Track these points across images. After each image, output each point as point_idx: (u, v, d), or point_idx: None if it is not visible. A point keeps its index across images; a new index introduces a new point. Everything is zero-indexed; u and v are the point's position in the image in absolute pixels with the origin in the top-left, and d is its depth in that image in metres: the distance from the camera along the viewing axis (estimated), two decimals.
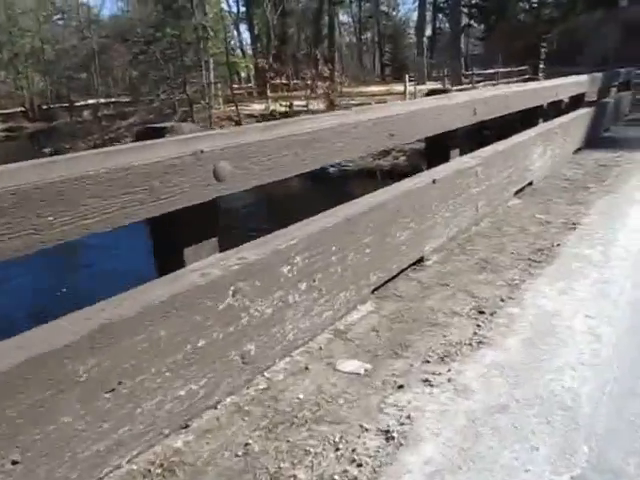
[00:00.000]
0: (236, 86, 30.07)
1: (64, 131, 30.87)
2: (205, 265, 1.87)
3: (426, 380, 1.96)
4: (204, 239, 1.93)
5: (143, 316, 1.56)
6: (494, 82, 22.73)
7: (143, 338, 1.57)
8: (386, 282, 2.78)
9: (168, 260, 1.91)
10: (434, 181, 3.08)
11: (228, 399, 1.89)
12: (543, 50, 22.03)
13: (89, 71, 41.84)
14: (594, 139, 7.10)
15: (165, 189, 1.60)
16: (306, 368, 2.08)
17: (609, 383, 1.92)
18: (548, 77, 12.01)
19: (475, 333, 2.29)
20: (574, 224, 3.74)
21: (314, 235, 2.20)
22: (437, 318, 2.44)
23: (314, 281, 2.23)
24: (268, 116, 21.66)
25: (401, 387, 1.93)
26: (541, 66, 22.63)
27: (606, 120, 8.06)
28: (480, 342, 2.21)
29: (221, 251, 2.06)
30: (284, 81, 27.93)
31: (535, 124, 5.36)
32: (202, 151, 1.70)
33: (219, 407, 1.85)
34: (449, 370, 2.02)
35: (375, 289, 2.71)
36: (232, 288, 1.85)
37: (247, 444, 1.68)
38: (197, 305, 1.73)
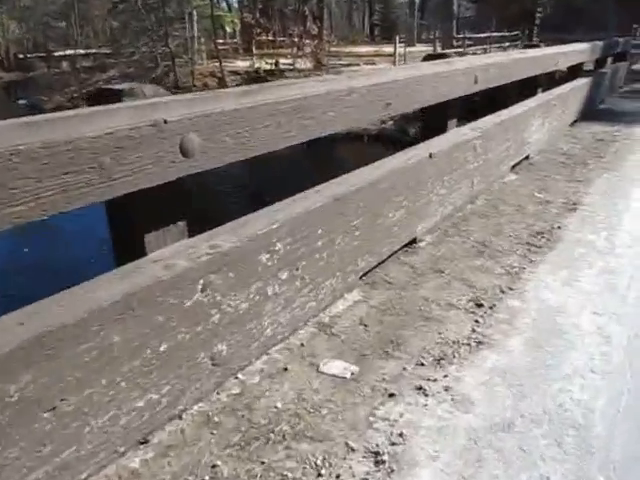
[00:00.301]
0: (221, 41, 29.03)
1: (41, 82, 29.68)
2: (170, 254, 1.60)
3: (420, 388, 1.74)
4: (169, 223, 1.66)
5: (90, 321, 1.30)
6: (485, 47, 22.22)
7: (91, 347, 1.32)
8: (375, 266, 2.54)
9: (127, 248, 1.64)
10: (430, 155, 2.81)
11: (195, 407, 1.66)
12: (538, 15, 21.43)
13: (68, 21, 40.06)
14: (591, 111, 6.85)
15: (118, 167, 1.32)
16: (285, 369, 1.85)
17: (623, 396, 1.71)
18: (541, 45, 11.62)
19: (473, 330, 2.07)
20: (574, 204, 3.52)
21: (299, 217, 1.94)
22: (431, 311, 2.22)
23: (297, 269, 1.97)
24: (253, 73, 20.96)
25: (392, 396, 1.71)
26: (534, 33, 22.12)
27: (602, 91, 7.79)
28: (479, 342, 1.99)
29: (191, 235, 1.78)
30: (270, 38, 27.02)
31: (534, 94, 5.08)
32: (166, 121, 1.41)
33: (184, 417, 1.62)
34: (446, 376, 1.80)
35: (363, 274, 2.47)
36: (201, 282, 1.59)
37: (215, 466, 1.45)
38: (159, 304, 1.47)
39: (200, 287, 1.60)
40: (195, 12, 23.67)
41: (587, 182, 4.03)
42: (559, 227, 3.12)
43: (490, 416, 1.62)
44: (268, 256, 1.82)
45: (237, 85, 20.28)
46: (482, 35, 23.13)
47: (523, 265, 2.63)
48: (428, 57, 3.40)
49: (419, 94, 2.71)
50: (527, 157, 4.61)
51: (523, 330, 2.07)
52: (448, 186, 3.09)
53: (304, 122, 1.89)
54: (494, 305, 2.25)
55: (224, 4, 37.67)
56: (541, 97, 4.95)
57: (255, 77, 20.07)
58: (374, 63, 20.90)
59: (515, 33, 22.53)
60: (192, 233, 1.81)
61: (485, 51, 20.08)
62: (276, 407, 1.66)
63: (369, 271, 2.49)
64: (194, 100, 1.55)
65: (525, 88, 4.71)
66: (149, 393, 1.50)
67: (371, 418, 1.62)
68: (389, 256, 2.64)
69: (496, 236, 3.00)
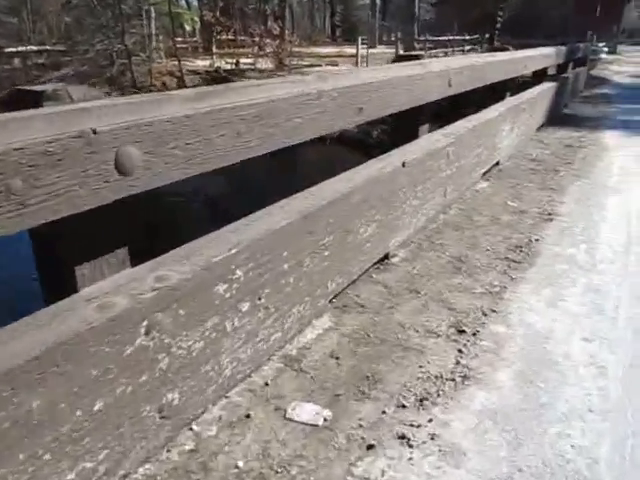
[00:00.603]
0: (180, 39, 28.34)
1: None
2: (107, 290, 1.33)
3: (403, 437, 1.52)
4: (107, 253, 1.39)
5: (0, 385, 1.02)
6: (446, 50, 22.35)
7: (1, 417, 1.04)
8: (346, 287, 2.31)
9: (56, 283, 1.36)
10: (404, 164, 2.60)
11: (141, 470, 1.39)
12: (499, 19, 21.65)
13: (20, 16, 38.51)
14: (556, 116, 6.81)
15: (33, 191, 1.05)
16: (247, 416, 1.60)
17: (628, 440, 1.53)
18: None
19: (457, 362, 1.87)
20: (550, 214, 3.38)
21: (261, 239, 1.69)
22: (409, 339, 2.00)
23: (260, 299, 1.73)
24: (213, 73, 20.50)
25: (371, 447, 1.48)
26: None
27: (566, 96, 7.80)
28: (465, 376, 1.78)
29: (136, 263, 1.52)
30: (231, 37, 26.53)
31: (503, 98, 4.96)
32: (95, 131, 1.14)
33: None
34: (431, 420, 1.58)
35: (334, 297, 2.24)
36: (145, 323, 1.33)
37: None
38: (91, 355, 1.20)
39: (144, 330, 1.33)
40: (153, 9, 23.01)
41: (560, 190, 3.91)
42: (537, 239, 2.96)
43: (484, 471, 1.41)
44: (226, 286, 1.57)
45: (196, 85, 19.80)
46: (443, 38, 23.27)
47: (504, 283, 2.45)
48: (399, 58, 3.20)
49: (393, 98, 2.50)
50: (497, 163, 4.48)
51: (511, 361, 1.88)
52: (421, 196, 2.90)
53: (267, 130, 1.64)
54: (477, 331, 2.05)
55: (183, 1, 36.95)
56: (510, 101, 4.82)
57: (215, 77, 19.64)
58: (337, 64, 20.71)
59: (476, 36, 22.73)
60: (140, 257, 1.54)
61: (446, 54, 20.16)
62: (237, 467, 1.41)
63: (339, 293, 2.26)
64: (134, 105, 1.29)
65: (496, 92, 4.58)
66: (82, 462, 1.23)
67: (349, 478, 1.38)
68: (360, 275, 2.42)
69: (472, 250, 2.82)
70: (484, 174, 4.14)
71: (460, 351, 1.93)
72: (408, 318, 2.14)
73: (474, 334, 2.03)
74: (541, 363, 1.87)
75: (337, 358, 1.88)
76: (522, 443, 1.50)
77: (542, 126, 6.20)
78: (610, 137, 5.96)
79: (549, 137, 5.82)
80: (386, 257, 2.65)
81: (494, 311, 2.21)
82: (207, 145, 1.42)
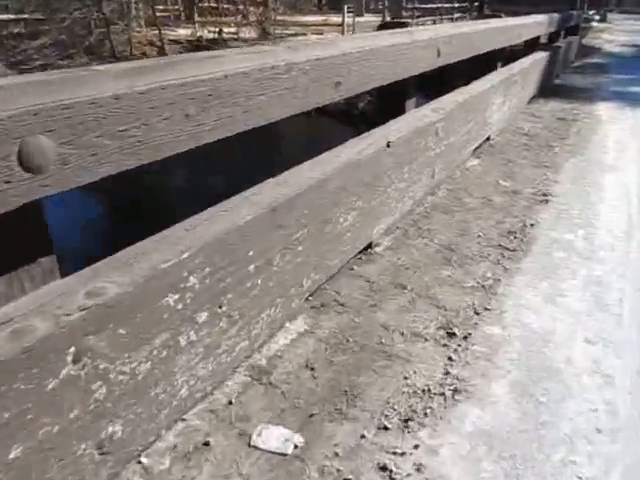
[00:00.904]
0: (161, 7, 27.42)
1: None
2: (24, 311, 1.09)
3: (384, 467, 1.32)
4: (25, 262, 1.15)
5: None
6: (434, 18, 21.84)
7: None
8: (325, 282, 2.09)
9: None
10: (388, 144, 2.36)
11: None
12: None
13: None
14: (547, 87, 6.55)
15: None
16: (206, 443, 1.39)
17: None
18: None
19: (447, 372, 1.66)
20: (544, 195, 3.16)
21: (221, 238, 1.46)
22: (393, 344, 1.79)
23: (221, 307, 1.50)
24: (195, 42, 19.87)
25: None
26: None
27: (558, 66, 7.52)
28: (456, 389, 1.58)
29: (66, 273, 1.28)
30: (214, 5, 25.69)
31: (494, 68, 4.69)
32: None
33: None
34: (417, 446, 1.38)
35: (310, 294, 2.02)
36: (72, 350, 1.10)
37: None
38: (3, 394, 0.97)
39: (71, 357, 1.10)
40: None
41: (554, 168, 3.69)
42: (532, 224, 2.75)
43: None
44: (177, 297, 1.34)
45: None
46: (432, 6, 22.71)
47: (497, 275, 2.24)
48: (384, 26, 2.92)
49: (375, 70, 2.24)
50: (488, 138, 4.24)
51: (507, 369, 1.68)
52: (408, 178, 2.66)
53: (224, 111, 1.39)
54: (469, 334, 1.84)
55: None
56: (502, 72, 4.56)
57: (198, 46, 19.05)
58: (322, 33, 20.17)
59: (465, 4, 22.19)
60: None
61: (434, 22, 19.66)
62: None
63: (317, 290, 2.04)
64: (47, 84, 1.03)
65: (489, 62, 4.31)
66: None
67: None
68: (341, 267, 2.20)
69: (463, 237, 2.60)
70: (474, 150, 3.91)
71: (450, 358, 1.72)
72: (392, 318, 1.93)
73: (465, 337, 1.83)
74: (540, 371, 1.67)
75: (312, 369, 1.67)
76: (521, 474, 1.31)
77: (533, 98, 5.95)
78: (604, 109, 5.73)
79: (541, 110, 5.57)
80: (369, 246, 2.42)
81: (487, 309, 2.00)
82: (147, 132, 1.17)
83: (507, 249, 2.48)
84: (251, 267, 1.59)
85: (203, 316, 1.44)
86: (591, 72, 8.82)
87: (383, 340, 1.81)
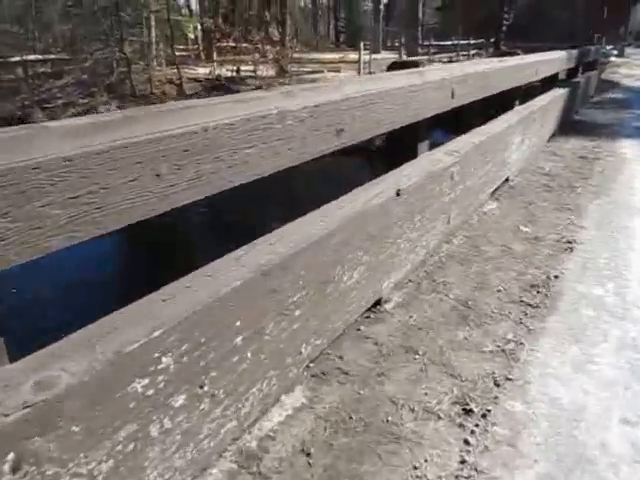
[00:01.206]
0: (182, 47, 28.09)
1: None
2: None
3: None
4: None
5: None
6: (451, 55, 21.94)
7: None
8: (327, 347, 1.90)
9: None
10: (398, 193, 2.18)
11: None
12: (505, 22, 21.16)
13: (25, 25, 38.36)
14: (567, 124, 6.38)
15: None
16: None
17: None
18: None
19: (463, 460, 1.44)
20: (569, 242, 2.95)
21: (200, 310, 1.28)
22: (403, 422, 1.58)
23: (202, 387, 1.31)
24: (213, 80, 20.18)
25: None
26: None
27: (577, 102, 7.36)
28: None
29: (17, 357, 1.11)
30: (232, 44, 26.21)
31: (511, 107, 4.53)
32: None
33: None
34: None
35: (311, 361, 1.82)
36: (11, 457, 0.92)
37: None
38: None
39: (9, 466, 0.92)
40: (153, 17, 22.75)
41: (578, 211, 3.48)
42: (556, 276, 2.53)
43: None
44: (147, 382, 1.15)
45: (196, 92, 19.49)
46: (448, 43, 22.87)
47: (520, 337, 2.02)
48: (394, 65, 2.78)
49: (383, 115, 2.08)
50: (507, 179, 4.05)
51: (533, 458, 1.45)
52: (420, 227, 2.48)
53: (205, 167, 1.23)
54: (488, 411, 1.62)
55: (185, 9, 36.76)
56: (520, 111, 4.40)
57: (216, 84, 19.37)
58: (339, 70, 20.35)
59: (481, 40, 22.30)
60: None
61: (451, 59, 19.77)
62: None
63: (318, 356, 1.84)
64: None
65: (505, 101, 4.16)
66: None
67: None
68: (346, 329, 2.00)
69: (481, 290, 2.39)
70: (492, 193, 3.72)
71: (467, 442, 1.50)
72: (401, 390, 1.72)
73: (484, 415, 1.61)
74: (572, 462, 1.44)
75: (308, 454, 1.46)
76: None
77: (553, 135, 5.77)
78: (628, 147, 5.52)
79: (562, 148, 5.38)
80: (378, 302, 2.23)
81: (509, 379, 1.78)
82: (106, 196, 1.02)
83: (530, 305, 2.26)
84: (238, 339, 1.40)
85: (180, 400, 1.25)
86: (612, 107, 8.64)
87: (390, 418, 1.60)
